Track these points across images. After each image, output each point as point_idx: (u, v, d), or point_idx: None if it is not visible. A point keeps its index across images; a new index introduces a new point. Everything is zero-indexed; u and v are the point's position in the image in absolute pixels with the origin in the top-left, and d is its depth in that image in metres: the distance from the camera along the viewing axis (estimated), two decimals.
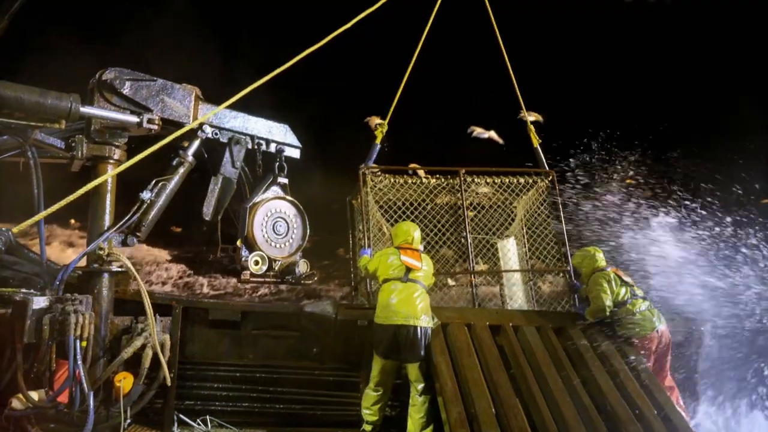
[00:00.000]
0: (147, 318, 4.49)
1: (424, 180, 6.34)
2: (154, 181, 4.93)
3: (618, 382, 4.38)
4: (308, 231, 5.95)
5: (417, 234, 5.09)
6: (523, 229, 6.66)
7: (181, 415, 4.82)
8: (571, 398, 4.20)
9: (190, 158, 5.20)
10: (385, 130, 6.73)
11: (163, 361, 4.58)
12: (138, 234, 4.79)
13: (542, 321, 5.00)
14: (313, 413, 5.10)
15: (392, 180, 6.30)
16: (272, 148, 5.91)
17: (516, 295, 6.38)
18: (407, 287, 4.58)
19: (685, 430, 4.02)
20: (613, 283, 5.07)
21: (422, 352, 4.43)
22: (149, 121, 4.69)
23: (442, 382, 4.24)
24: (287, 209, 5.90)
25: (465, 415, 3.98)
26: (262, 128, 5.81)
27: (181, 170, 5.11)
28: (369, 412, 4.68)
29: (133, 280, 4.58)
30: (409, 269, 4.68)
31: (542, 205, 6.46)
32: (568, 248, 6.13)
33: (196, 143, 5.28)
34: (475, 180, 6.42)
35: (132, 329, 4.61)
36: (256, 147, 5.76)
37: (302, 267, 5.81)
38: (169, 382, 4.65)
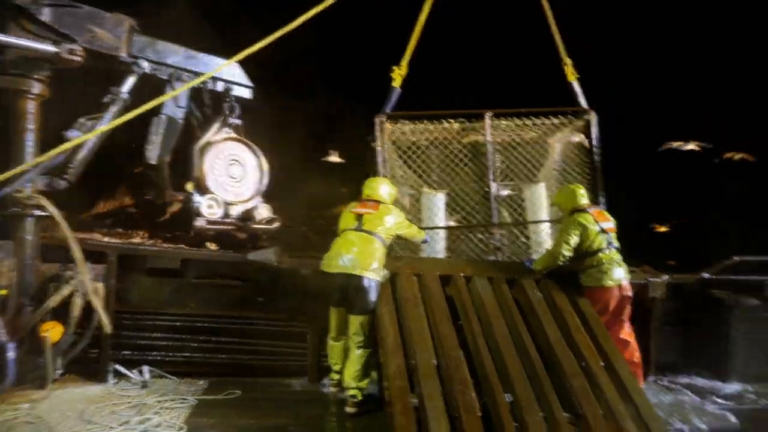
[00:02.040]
0: (75, 264, 4.26)
1: (446, 125, 5.74)
2: (82, 119, 4.57)
3: (567, 334, 4.23)
4: (267, 173, 5.66)
5: (383, 188, 4.73)
6: (556, 171, 5.87)
7: (118, 366, 4.64)
8: (517, 351, 4.05)
9: (124, 95, 4.83)
10: (404, 74, 5.89)
11: (100, 308, 4.37)
12: (65, 176, 4.47)
13: (496, 272, 4.80)
14: (258, 363, 4.95)
15: (412, 126, 5.75)
16: (219, 86, 5.54)
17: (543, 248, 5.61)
18: (360, 237, 4.33)
19: (631, 383, 3.91)
20: (591, 228, 4.62)
21: (368, 306, 4.22)
22: (70, 51, 4.29)
23: (384, 333, 4.05)
24: (241, 151, 5.59)
25: (405, 366, 3.82)
26: (207, 65, 5.42)
27: (114, 108, 4.75)
28: (334, 362, 4.53)
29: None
30: (361, 218, 4.41)
31: (576, 146, 5.80)
32: (602, 193, 5.59)
33: (131, 79, 4.91)
34: (502, 122, 5.80)
35: (61, 277, 4.37)
36: (201, 85, 5.39)
37: (263, 212, 5.56)
38: (108, 330, 4.46)
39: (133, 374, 4.64)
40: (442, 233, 5.58)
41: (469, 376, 3.79)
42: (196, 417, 3.99)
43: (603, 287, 4.55)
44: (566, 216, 4.83)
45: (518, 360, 3.97)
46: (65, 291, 4.28)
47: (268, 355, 4.97)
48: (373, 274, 4.24)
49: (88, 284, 4.33)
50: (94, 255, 4.55)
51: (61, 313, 4.33)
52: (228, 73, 5.55)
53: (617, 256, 4.64)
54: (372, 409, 4.19)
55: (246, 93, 5.74)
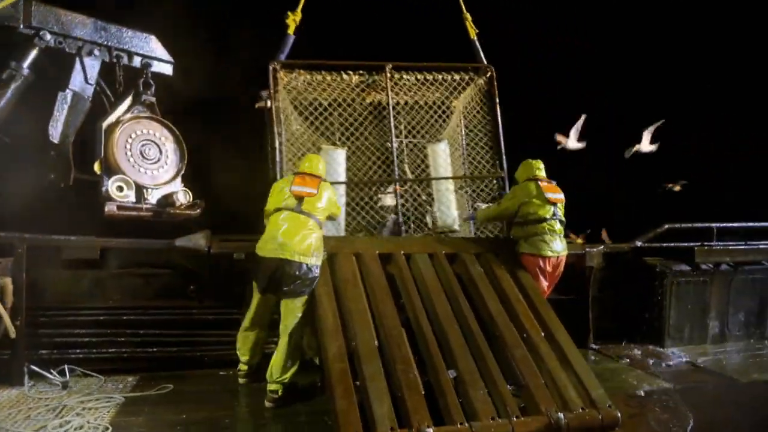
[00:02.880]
0: None
1: (345, 77, 5.38)
2: None
3: (508, 306, 4.21)
4: (185, 156, 5.28)
5: (322, 165, 4.48)
6: (461, 129, 5.76)
7: (33, 366, 4.25)
8: (459, 325, 3.98)
9: (25, 71, 4.39)
10: (298, 19, 5.46)
11: (2, 310, 3.97)
12: None
13: (436, 247, 4.71)
14: (192, 354, 4.68)
15: (308, 77, 5.32)
16: (136, 62, 5.12)
17: (448, 210, 5.56)
18: (297, 219, 4.06)
19: (571, 351, 3.93)
20: (536, 194, 4.63)
21: (306, 290, 4.02)
22: None
23: (323, 315, 3.88)
24: (157, 131, 5.17)
25: (345, 348, 3.67)
26: (121, 38, 4.99)
27: (13, 85, 4.30)
28: (242, 353, 4.33)
29: None
30: (301, 199, 4.14)
31: (479, 104, 5.68)
32: (503, 150, 5.53)
33: (33, 53, 4.46)
34: (404, 76, 5.51)
35: None
36: (114, 60, 4.96)
37: (181, 196, 5.18)
38: (12, 334, 4.06)
39: (52, 375, 4.27)
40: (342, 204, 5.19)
41: (412, 354, 3.70)
42: (123, 416, 3.70)
43: (542, 256, 4.56)
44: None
45: (461, 335, 3.92)
46: None
47: (202, 346, 4.71)
48: (312, 260, 4.02)
49: None
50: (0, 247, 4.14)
51: None
52: (144, 46, 5.14)
53: (559, 229, 4.66)
54: (292, 401, 4.02)
55: (167, 69, 5.33)
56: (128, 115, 4.97)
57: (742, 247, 5.99)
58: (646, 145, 7.09)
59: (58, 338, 4.45)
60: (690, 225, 5.95)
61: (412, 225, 5.49)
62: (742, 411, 4.29)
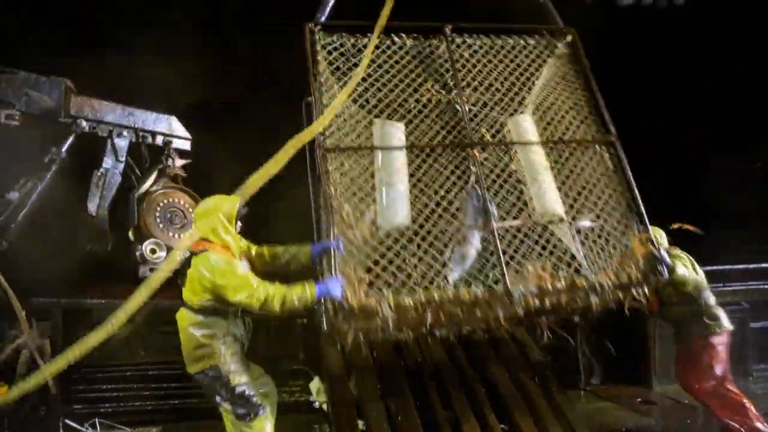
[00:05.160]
0: (19, 323, 4.32)
1: (397, 40, 4.24)
2: (22, 180, 4.69)
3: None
4: None
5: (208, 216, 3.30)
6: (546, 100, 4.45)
7: (68, 421, 4.65)
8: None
9: (63, 155, 4.99)
10: None
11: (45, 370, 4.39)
12: (6, 237, 4.56)
13: None
14: (211, 405, 5.04)
15: (353, 42, 4.15)
16: (159, 140, 5.76)
17: (546, 192, 3.99)
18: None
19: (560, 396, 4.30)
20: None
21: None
22: (8, 117, 4.44)
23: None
24: (181, 199, 5.77)
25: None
26: (145, 120, 5.64)
27: (54, 168, 4.89)
28: None
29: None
30: None
31: (564, 74, 4.55)
32: (606, 115, 4.26)
33: (70, 139, 5.07)
34: (467, 41, 4.40)
35: (5, 336, 4.40)
36: (140, 140, 5.60)
37: None
38: (52, 390, 4.49)
39: (84, 429, 4.66)
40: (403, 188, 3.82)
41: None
42: None
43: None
44: None
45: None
46: (9, 350, 4.31)
47: None
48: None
49: (32, 343, 4.38)
50: (39, 312, 4.61)
51: (7, 373, 4.35)
52: (165, 125, 5.79)
53: None
54: None
55: (185, 145, 5.97)
56: (155, 187, 5.58)
57: (720, 288, 6.31)
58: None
59: (89, 393, 4.84)
60: None
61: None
62: None
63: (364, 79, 3.97)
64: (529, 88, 4.45)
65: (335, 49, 4.05)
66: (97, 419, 4.74)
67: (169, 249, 5.51)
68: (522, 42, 4.55)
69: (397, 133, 4.00)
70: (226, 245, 3.20)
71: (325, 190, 3.48)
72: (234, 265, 3.13)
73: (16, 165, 4.79)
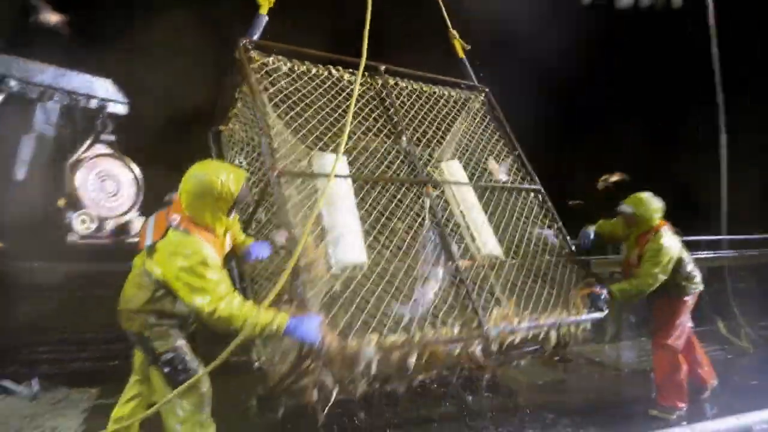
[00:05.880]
0: None
1: (334, 72, 4.17)
2: None
3: None
4: (142, 187, 5.86)
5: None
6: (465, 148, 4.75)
7: (6, 383, 4.71)
8: None
9: None
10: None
11: None
12: None
13: None
14: None
15: (289, 67, 4.00)
16: (93, 104, 5.68)
17: (487, 235, 4.28)
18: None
19: None
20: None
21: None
22: None
23: None
24: (114, 167, 5.75)
25: None
26: (79, 83, 5.55)
27: None
28: None
29: None
30: None
31: (481, 125, 4.94)
32: (523, 156, 4.86)
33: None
34: (399, 83, 4.61)
35: None
36: (73, 103, 5.51)
37: (138, 225, 5.76)
38: None
39: (22, 388, 4.74)
40: (353, 221, 3.64)
41: None
42: (94, 420, 4.22)
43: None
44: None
45: None
46: None
47: None
48: None
49: None
50: None
51: None
52: (101, 89, 5.70)
53: None
54: None
55: (121, 109, 5.91)
56: (88, 153, 5.53)
57: None
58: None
59: (30, 356, 4.91)
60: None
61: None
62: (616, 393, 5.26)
63: (304, 109, 3.78)
64: (454, 134, 4.77)
65: (273, 71, 3.89)
66: (34, 380, 4.82)
67: (100, 220, 5.50)
68: (446, 92, 4.90)
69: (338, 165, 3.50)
70: (210, 229, 2.82)
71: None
72: (210, 264, 2.66)
73: None
